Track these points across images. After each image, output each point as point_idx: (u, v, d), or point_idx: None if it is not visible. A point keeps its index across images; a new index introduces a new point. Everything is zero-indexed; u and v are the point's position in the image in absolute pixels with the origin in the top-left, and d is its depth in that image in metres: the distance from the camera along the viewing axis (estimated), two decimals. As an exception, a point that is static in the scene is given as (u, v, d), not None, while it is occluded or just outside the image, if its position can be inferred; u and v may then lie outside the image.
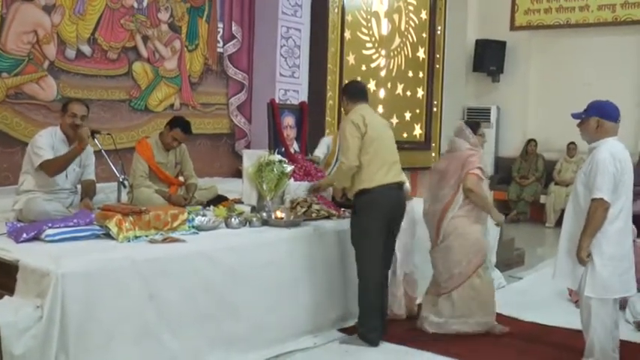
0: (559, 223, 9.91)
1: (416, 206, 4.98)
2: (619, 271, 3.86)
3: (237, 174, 6.89)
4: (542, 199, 10.21)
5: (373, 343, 4.40)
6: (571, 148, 10.25)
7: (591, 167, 3.86)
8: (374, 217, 4.35)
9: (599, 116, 3.94)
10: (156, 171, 5.21)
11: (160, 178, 5.26)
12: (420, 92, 9.80)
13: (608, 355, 3.92)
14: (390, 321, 4.75)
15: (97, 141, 4.64)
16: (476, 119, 10.80)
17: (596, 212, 3.79)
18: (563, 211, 9.89)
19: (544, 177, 10.48)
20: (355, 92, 4.59)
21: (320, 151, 6.14)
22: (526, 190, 10.42)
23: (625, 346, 4.51)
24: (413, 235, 5.05)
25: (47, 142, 4.51)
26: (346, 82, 5.21)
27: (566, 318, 4.96)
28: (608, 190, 3.78)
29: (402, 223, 4.63)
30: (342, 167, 4.38)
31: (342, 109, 4.78)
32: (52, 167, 4.48)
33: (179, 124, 5.23)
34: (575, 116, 4.07)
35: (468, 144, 4.74)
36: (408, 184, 4.78)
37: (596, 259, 3.84)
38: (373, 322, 4.41)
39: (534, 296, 5.44)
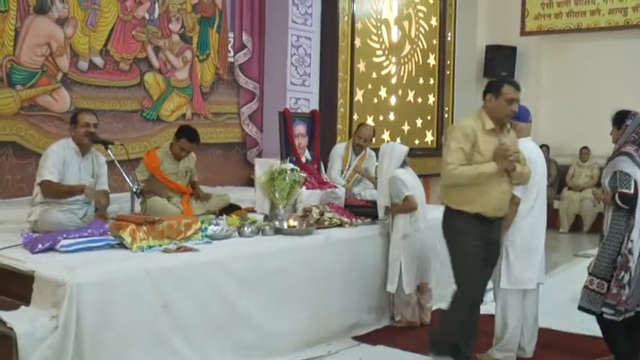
0: (573, 228, 10.03)
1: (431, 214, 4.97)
2: (530, 264, 4.15)
3: (250, 183, 6.92)
4: (556, 204, 10.11)
5: None
6: (584, 152, 10.19)
7: None
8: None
9: (512, 118, 4.15)
10: (164, 181, 5.23)
11: (172, 188, 5.28)
12: (431, 99, 9.81)
13: (515, 342, 4.20)
14: (404, 329, 4.77)
15: (109, 151, 4.68)
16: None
17: (509, 207, 4.04)
18: (577, 216, 10.03)
19: (557, 182, 10.39)
20: None
21: (335, 170, 6.15)
22: (539, 196, 10.35)
23: None
24: (433, 245, 5.03)
25: (56, 160, 4.47)
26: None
27: (581, 324, 4.91)
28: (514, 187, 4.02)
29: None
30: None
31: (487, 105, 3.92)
32: (50, 191, 4.44)
33: (185, 133, 5.24)
34: None
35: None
36: None
37: (510, 252, 4.12)
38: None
39: (549, 302, 5.39)
